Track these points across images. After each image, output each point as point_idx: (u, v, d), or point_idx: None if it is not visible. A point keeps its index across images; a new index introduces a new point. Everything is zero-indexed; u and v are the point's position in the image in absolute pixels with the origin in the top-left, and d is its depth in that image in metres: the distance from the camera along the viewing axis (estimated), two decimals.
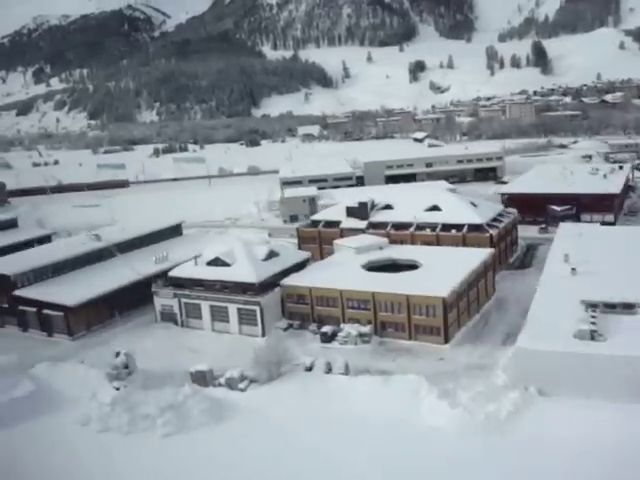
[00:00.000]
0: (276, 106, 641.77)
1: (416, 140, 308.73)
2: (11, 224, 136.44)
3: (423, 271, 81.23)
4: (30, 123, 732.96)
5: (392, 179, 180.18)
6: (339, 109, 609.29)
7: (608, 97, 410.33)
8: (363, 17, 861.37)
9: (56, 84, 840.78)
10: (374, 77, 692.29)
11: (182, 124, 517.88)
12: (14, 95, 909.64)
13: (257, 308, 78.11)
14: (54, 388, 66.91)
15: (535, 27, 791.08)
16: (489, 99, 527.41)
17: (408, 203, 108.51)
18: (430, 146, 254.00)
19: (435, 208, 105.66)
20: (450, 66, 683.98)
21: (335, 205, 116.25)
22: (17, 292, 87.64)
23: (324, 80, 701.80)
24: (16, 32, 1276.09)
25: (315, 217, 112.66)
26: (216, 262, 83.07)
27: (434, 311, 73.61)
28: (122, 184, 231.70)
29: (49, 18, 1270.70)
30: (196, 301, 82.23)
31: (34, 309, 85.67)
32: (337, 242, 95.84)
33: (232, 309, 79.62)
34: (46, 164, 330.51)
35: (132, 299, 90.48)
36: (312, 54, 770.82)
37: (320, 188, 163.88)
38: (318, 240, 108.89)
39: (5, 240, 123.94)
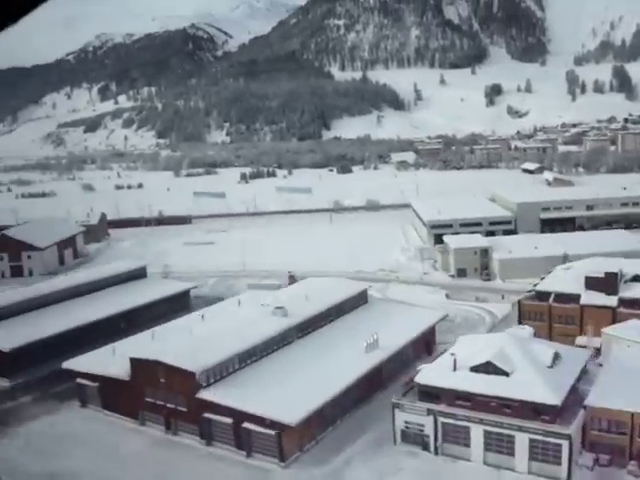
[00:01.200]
0: (348, 128, 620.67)
1: (526, 171, 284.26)
2: (140, 274, 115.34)
3: None
4: (98, 140, 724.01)
5: (547, 223, 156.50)
6: (413, 133, 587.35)
7: None
8: (432, 38, 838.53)
9: (124, 102, 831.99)
10: (447, 100, 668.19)
11: (257, 145, 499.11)
12: (80, 112, 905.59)
13: (564, 442, 54.76)
14: None
15: (612, 51, 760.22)
16: (575, 125, 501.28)
17: None
18: (556, 182, 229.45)
19: None
20: (528, 90, 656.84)
21: (557, 270, 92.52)
22: (202, 394, 65.62)
23: (396, 102, 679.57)
24: (81, 50, 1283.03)
25: (541, 287, 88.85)
26: (487, 368, 59.90)
27: None
28: (184, 220, 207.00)
29: (113, 36, 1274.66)
30: (463, 423, 59.23)
31: (229, 420, 63.43)
32: (607, 331, 72.43)
33: (521, 439, 56.38)
34: (129, 187, 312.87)
35: (346, 404, 68.30)
36: (381, 75, 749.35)
37: (471, 233, 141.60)
38: (547, 318, 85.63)
39: (139, 297, 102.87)
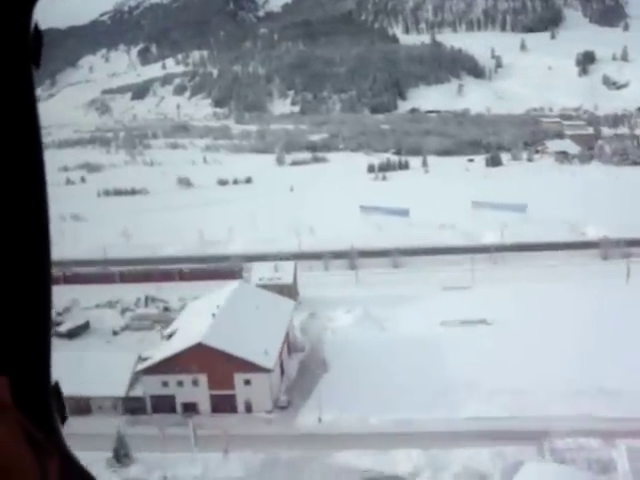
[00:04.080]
0: (425, 98, 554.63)
1: None
2: None
3: None
4: (146, 108, 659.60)
5: None
6: (499, 105, 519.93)
7: None
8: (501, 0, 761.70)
9: (172, 66, 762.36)
10: (532, 68, 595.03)
11: (337, 118, 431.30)
12: (121, 76, 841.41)
13: None
14: None
15: None
16: None
17: None
18: None
19: None
20: (624, 58, 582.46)
21: None
22: None
23: (475, 70, 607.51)
24: (116, 10, 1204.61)
25: None
26: None
27: None
28: (232, 273, 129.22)
29: None
30: None
31: None
32: None
33: None
34: (235, 182, 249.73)
35: None
36: (452, 39, 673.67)
37: None
38: None
39: None
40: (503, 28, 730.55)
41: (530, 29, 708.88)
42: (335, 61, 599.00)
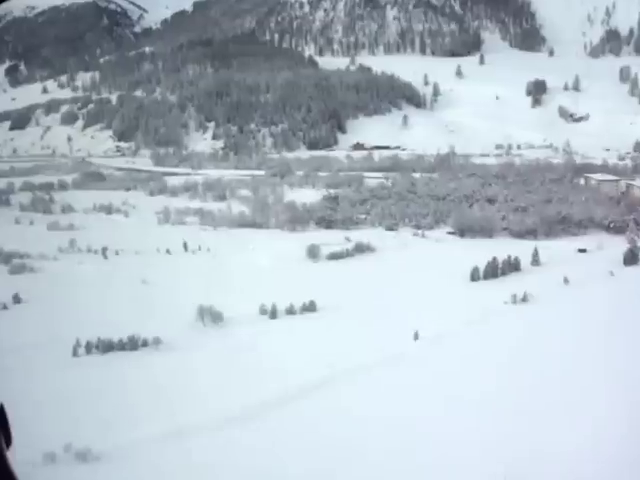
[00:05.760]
0: (369, 131, 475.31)
1: None
2: None
3: None
4: (29, 140, 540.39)
5: None
6: (455, 140, 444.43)
7: None
8: (414, 21, 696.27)
9: (55, 90, 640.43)
10: (474, 96, 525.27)
11: (266, 157, 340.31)
12: None
13: None
14: None
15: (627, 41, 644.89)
16: None
17: None
18: None
19: None
20: (575, 88, 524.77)
21: None
22: None
23: (416, 99, 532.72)
24: None
25: None
26: None
27: None
28: None
29: (11, 9, 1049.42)
30: None
31: None
32: None
33: None
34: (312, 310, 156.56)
35: None
36: (372, 62, 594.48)
37: None
38: None
39: None
40: (423, 51, 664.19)
41: (452, 53, 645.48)
42: (260, 88, 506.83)
